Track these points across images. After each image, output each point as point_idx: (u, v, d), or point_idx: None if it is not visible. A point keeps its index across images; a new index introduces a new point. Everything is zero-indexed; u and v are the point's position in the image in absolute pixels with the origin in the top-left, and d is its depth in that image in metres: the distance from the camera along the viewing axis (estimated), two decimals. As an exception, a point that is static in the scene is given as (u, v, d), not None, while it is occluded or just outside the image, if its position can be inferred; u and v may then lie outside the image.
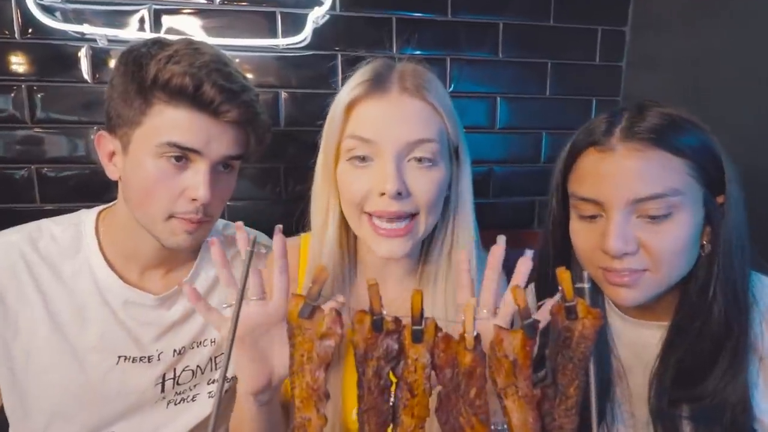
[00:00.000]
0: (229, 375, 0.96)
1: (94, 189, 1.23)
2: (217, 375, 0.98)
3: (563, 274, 0.48)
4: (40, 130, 1.22)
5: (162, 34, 1.21)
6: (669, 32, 1.34)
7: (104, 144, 0.84)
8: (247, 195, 1.32)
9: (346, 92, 0.76)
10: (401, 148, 0.71)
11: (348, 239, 0.84)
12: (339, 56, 1.30)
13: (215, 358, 0.97)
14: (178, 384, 0.93)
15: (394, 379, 0.51)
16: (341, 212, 0.80)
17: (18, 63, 1.18)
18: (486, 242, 1.08)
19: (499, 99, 1.41)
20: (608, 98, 1.46)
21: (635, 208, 0.68)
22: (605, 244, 0.69)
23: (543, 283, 0.84)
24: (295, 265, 0.89)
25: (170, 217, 0.80)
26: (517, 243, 1.34)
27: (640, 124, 0.70)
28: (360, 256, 0.86)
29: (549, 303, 0.52)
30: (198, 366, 0.95)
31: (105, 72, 1.22)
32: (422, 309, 0.48)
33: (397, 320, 0.48)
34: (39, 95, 1.20)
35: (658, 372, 0.75)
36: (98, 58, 1.22)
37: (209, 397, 0.96)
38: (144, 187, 0.79)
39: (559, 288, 0.48)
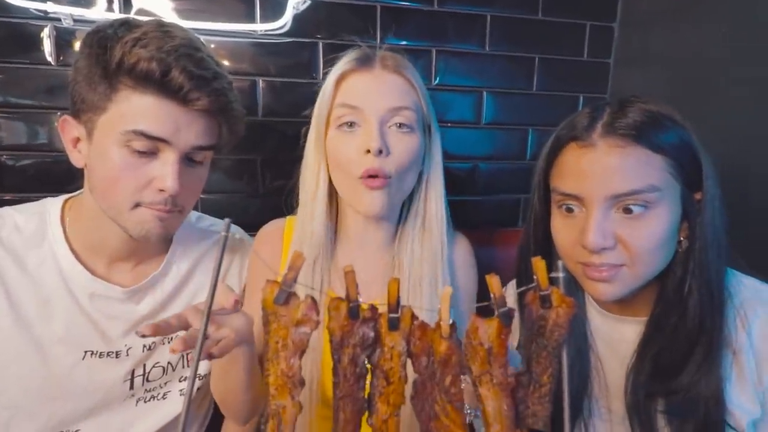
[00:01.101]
0: (201, 372, 0.99)
1: (57, 178, 1.23)
2: (188, 372, 1.00)
3: (538, 264, 0.52)
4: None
5: (132, 15, 1.23)
6: (658, 29, 1.40)
7: (68, 129, 0.85)
8: (222, 188, 1.34)
9: (336, 69, 0.92)
10: (383, 113, 0.88)
11: (333, 211, 0.98)
12: (320, 44, 1.33)
13: (187, 354, 0.99)
14: (147, 381, 0.95)
15: (369, 367, 0.54)
16: (330, 183, 0.94)
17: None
18: (473, 242, 1.13)
19: (485, 93, 1.45)
20: (595, 95, 1.52)
21: (614, 203, 0.73)
22: (584, 239, 0.74)
23: (524, 278, 0.89)
24: (279, 250, 0.98)
25: (137, 206, 0.81)
26: (502, 241, 1.40)
27: (621, 120, 0.75)
28: (343, 226, 0.99)
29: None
30: (169, 363, 0.97)
31: (70, 54, 1.22)
32: (398, 297, 0.52)
33: (373, 308, 0.52)
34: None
35: (635, 366, 0.80)
36: (63, 39, 1.22)
37: (181, 394, 0.99)
38: (109, 176, 0.80)
39: (534, 277, 0.53)
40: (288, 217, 1.04)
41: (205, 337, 0.53)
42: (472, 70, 1.43)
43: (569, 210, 0.79)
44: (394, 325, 0.52)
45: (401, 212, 1.00)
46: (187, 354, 0.99)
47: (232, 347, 0.70)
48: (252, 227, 1.11)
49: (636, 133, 0.73)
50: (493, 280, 0.52)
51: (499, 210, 1.53)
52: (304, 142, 1.01)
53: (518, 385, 0.55)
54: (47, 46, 1.21)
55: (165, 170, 0.79)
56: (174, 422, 0.99)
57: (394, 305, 0.51)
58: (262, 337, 0.54)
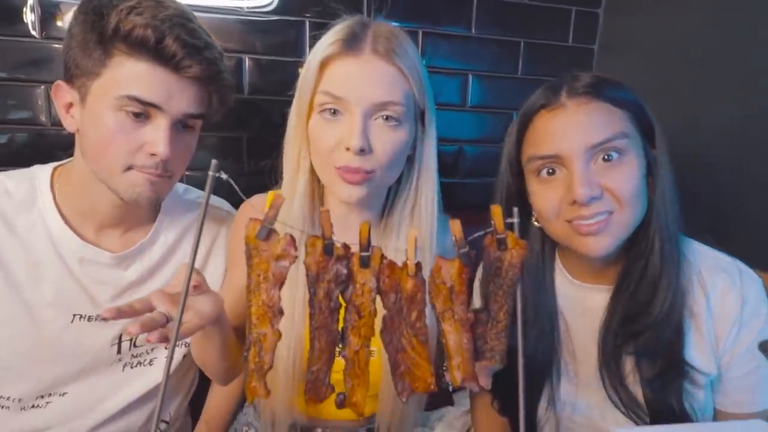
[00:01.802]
0: (187, 340, 1.07)
1: (41, 152, 1.30)
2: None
3: (495, 210, 0.62)
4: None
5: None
6: (642, 15, 1.51)
7: (61, 95, 0.91)
8: (206, 165, 1.41)
9: (320, 49, 0.88)
10: (368, 107, 0.85)
11: (316, 190, 0.98)
12: (307, 23, 1.42)
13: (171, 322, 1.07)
14: (134, 346, 1.03)
15: (343, 304, 0.63)
16: (311, 163, 0.93)
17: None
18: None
19: (471, 76, 1.55)
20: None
21: (592, 155, 0.84)
22: (573, 193, 0.83)
23: None
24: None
25: (129, 168, 0.88)
26: (487, 224, 1.49)
27: (581, 83, 0.87)
28: (326, 206, 0.99)
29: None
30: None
31: (53, 26, 1.29)
32: (369, 237, 0.61)
33: (346, 246, 0.61)
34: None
35: (606, 321, 0.92)
36: (47, 12, 1.28)
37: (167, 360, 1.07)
38: (102, 139, 0.87)
39: (491, 222, 0.62)
40: (271, 192, 1.06)
41: (180, 322, 0.61)
42: (459, 53, 1.53)
43: (550, 173, 0.89)
44: (365, 263, 0.61)
45: (388, 196, 1.01)
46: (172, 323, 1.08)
47: (194, 330, 0.76)
48: (238, 206, 1.19)
49: (596, 91, 0.86)
50: (454, 224, 0.61)
51: (485, 193, 1.60)
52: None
53: (477, 322, 0.65)
54: (30, 18, 1.27)
55: (157, 135, 0.87)
56: (157, 387, 1.07)
57: (366, 245, 0.60)
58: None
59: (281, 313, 0.60)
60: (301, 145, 0.93)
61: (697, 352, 0.90)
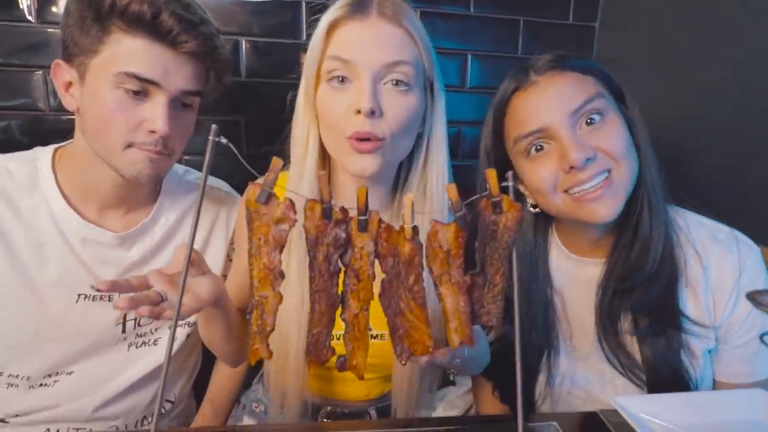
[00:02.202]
0: (191, 320, 1.11)
1: (39, 138, 1.32)
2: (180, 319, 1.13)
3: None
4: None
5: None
6: (643, -7, 1.53)
7: (60, 74, 0.96)
8: (202, 150, 1.45)
9: (327, 15, 0.89)
10: (378, 69, 0.85)
11: (324, 163, 0.98)
12: (303, 4, 1.45)
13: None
14: (139, 326, 1.07)
15: (343, 268, 0.67)
16: (320, 141, 0.94)
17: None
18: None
19: (470, 56, 1.58)
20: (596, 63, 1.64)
21: (576, 120, 0.89)
22: (567, 159, 0.87)
23: None
24: None
25: (129, 146, 0.92)
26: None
27: (544, 60, 0.94)
28: (335, 187, 1.00)
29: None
30: None
31: (50, 11, 1.33)
32: (366, 202, 0.64)
33: (344, 210, 0.64)
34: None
35: (602, 283, 0.96)
36: (43, -5, 1.32)
37: None
38: (101, 116, 0.90)
39: (487, 186, 0.65)
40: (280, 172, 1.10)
41: (181, 303, 0.64)
42: (457, 33, 1.56)
43: (539, 149, 0.92)
44: (363, 226, 0.64)
45: (399, 176, 1.01)
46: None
47: (191, 313, 0.80)
48: (237, 188, 1.22)
49: (561, 63, 0.92)
50: (451, 188, 0.65)
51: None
52: (290, 105, 1.02)
53: (474, 286, 0.68)
54: (26, 3, 1.31)
55: (155, 112, 0.91)
56: (161, 367, 1.11)
57: (363, 209, 0.64)
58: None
59: (282, 276, 0.64)
60: (310, 124, 0.94)
61: (695, 317, 0.93)
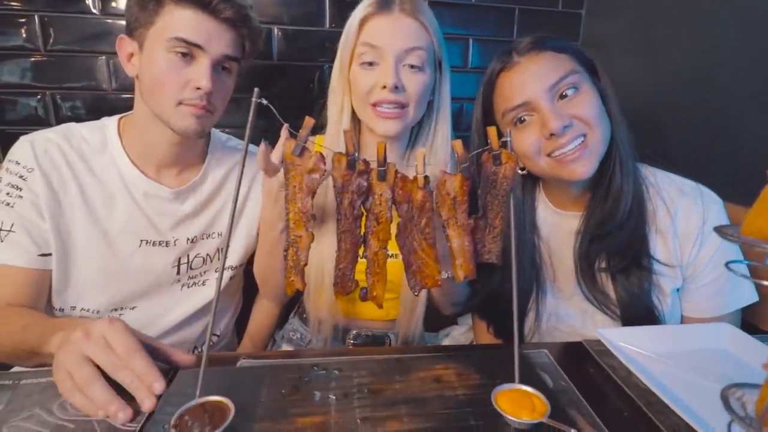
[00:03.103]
0: (234, 263, 1.13)
1: (104, 113, 1.32)
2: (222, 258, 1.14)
3: (491, 130, 0.64)
4: (54, 58, 1.33)
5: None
6: (626, -18, 1.47)
7: (124, 47, 0.98)
8: (241, 123, 1.45)
9: (359, 11, 0.98)
10: (399, 53, 0.94)
11: (356, 128, 1.06)
12: (327, -5, 1.42)
13: (222, 249, 1.13)
14: (191, 269, 1.09)
15: (365, 212, 0.67)
16: (352, 108, 1.02)
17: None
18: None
19: (471, 40, 1.54)
20: (570, 42, 1.60)
21: (553, 94, 0.88)
22: (548, 127, 0.87)
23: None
24: None
25: (179, 104, 0.94)
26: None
27: (525, 43, 0.93)
28: (363, 145, 1.08)
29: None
30: (207, 254, 1.10)
31: (110, 5, 1.33)
32: (385, 155, 0.63)
33: (366, 162, 0.64)
34: (50, 27, 1.31)
35: (580, 228, 0.97)
36: (105, -8, 1.32)
37: (216, 282, 1.12)
38: (156, 78, 0.93)
39: (488, 141, 0.64)
40: (316, 136, 1.10)
41: (231, 237, 0.64)
42: (460, 20, 1.52)
43: (522, 121, 0.92)
44: (381, 176, 0.64)
45: (411, 135, 1.09)
46: (222, 248, 1.13)
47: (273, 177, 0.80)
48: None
49: (539, 44, 0.92)
50: (457, 143, 0.64)
51: (484, 146, 1.64)
52: (315, 85, 1.16)
53: (476, 228, 0.68)
54: (90, -1, 1.31)
55: (200, 72, 0.93)
56: (209, 305, 1.13)
57: (382, 161, 0.63)
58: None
59: (314, 218, 0.64)
60: (345, 92, 1.01)
61: (664, 264, 0.92)
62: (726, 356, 0.79)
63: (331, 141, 1.03)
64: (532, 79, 0.89)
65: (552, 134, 0.87)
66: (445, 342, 1.31)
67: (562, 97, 0.88)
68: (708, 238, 0.90)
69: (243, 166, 0.63)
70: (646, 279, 0.91)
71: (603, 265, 0.94)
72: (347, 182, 0.64)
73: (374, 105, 0.96)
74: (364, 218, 0.67)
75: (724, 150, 1.14)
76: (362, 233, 0.67)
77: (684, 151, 1.24)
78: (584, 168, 0.89)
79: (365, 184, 0.64)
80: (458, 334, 1.34)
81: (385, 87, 0.93)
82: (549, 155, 0.90)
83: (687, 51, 1.25)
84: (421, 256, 0.68)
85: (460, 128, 1.59)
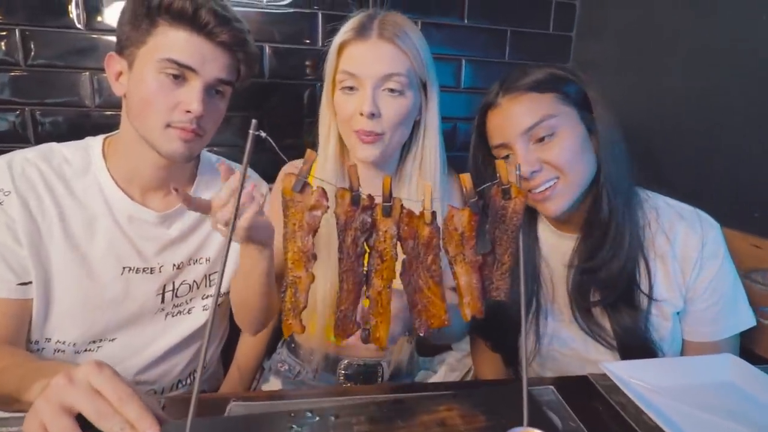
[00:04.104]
0: (223, 290, 1.06)
1: (86, 130, 1.24)
2: (211, 291, 1.07)
3: (501, 164, 0.60)
4: (35, 73, 1.25)
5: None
6: (615, 5, 1.46)
7: (112, 64, 0.92)
8: (232, 142, 1.39)
9: (338, 37, 0.95)
10: (377, 80, 0.91)
11: (343, 151, 1.03)
12: (320, 14, 1.37)
13: (209, 275, 1.06)
14: (176, 296, 1.02)
15: (368, 249, 0.61)
16: (338, 132, 1.00)
17: (10, 9, 1.20)
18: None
19: (464, 61, 1.51)
20: (560, 64, 1.58)
21: (528, 137, 0.89)
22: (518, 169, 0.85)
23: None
24: None
25: (167, 126, 0.88)
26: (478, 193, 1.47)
27: (508, 82, 0.92)
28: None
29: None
30: (194, 281, 1.03)
31: (95, 20, 1.26)
32: (391, 190, 0.59)
33: (370, 197, 0.59)
34: (31, 42, 1.23)
35: (571, 258, 0.95)
36: (89, 6, 1.25)
37: (203, 309, 1.05)
38: (145, 98, 0.87)
39: (498, 175, 0.60)
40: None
41: (224, 271, 0.58)
42: (453, 41, 1.49)
43: (506, 157, 0.93)
44: (387, 212, 0.59)
45: (401, 155, 1.04)
46: (209, 274, 1.06)
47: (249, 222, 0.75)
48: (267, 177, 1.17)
49: (522, 85, 0.90)
50: (465, 177, 0.59)
51: (475, 165, 1.60)
52: (306, 102, 1.12)
53: (484, 264, 0.63)
54: (75, 13, 1.24)
55: (191, 95, 0.87)
56: (195, 333, 1.06)
57: (388, 196, 0.58)
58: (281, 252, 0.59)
59: (315, 257, 0.59)
60: (331, 116, 0.99)
61: (665, 289, 0.90)
62: (732, 389, 0.76)
63: (321, 165, 1.00)
64: (509, 123, 0.90)
65: (524, 178, 0.88)
66: (442, 369, 1.26)
67: (540, 140, 0.88)
68: (707, 262, 0.88)
69: (239, 201, 0.57)
70: (641, 312, 0.88)
71: (597, 297, 0.91)
72: (350, 219, 0.58)
73: (357, 131, 0.93)
74: (366, 256, 0.61)
75: (718, 171, 1.12)
76: (365, 271, 0.62)
77: (677, 173, 1.22)
78: (554, 206, 0.89)
79: (369, 220, 0.59)
80: (454, 360, 1.29)
81: (362, 114, 0.90)
82: (529, 191, 0.91)
83: (678, 73, 1.23)
84: (427, 295, 0.63)
85: (452, 148, 1.55)
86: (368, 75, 0.90)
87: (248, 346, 1.17)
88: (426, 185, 0.59)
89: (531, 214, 1.02)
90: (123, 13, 0.89)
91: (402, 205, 0.60)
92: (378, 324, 0.63)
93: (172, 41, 0.85)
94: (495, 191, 0.61)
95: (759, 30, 1.03)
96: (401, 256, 0.62)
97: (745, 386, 0.76)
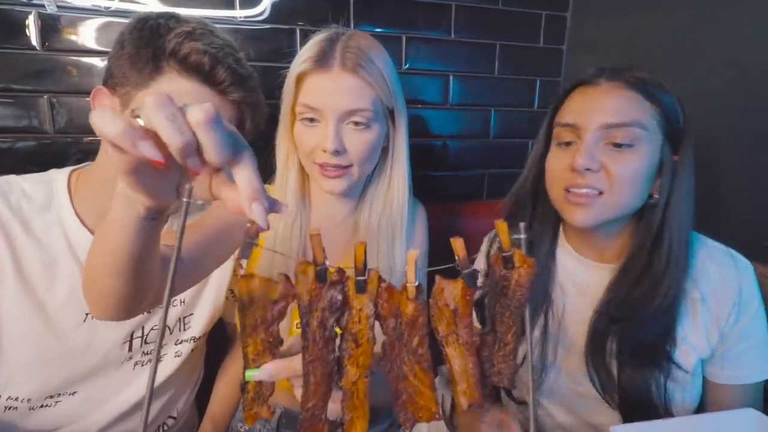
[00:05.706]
0: (196, 334, 0.93)
1: (46, 159, 1.11)
2: (185, 335, 0.94)
3: (501, 226, 0.46)
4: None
5: (118, 2, 1.10)
6: (606, 18, 1.34)
7: (101, 99, 0.79)
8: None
9: (295, 66, 0.83)
10: (340, 115, 0.80)
11: (304, 181, 0.94)
12: (297, 31, 1.22)
13: (184, 318, 0.92)
14: (146, 343, 0.88)
15: (339, 331, 0.48)
16: (299, 160, 0.90)
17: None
18: (441, 213, 1.06)
19: (451, 77, 1.37)
20: (550, 78, 1.45)
21: (605, 134, 0.73)
22: (574, 160, 0.73)
23: (513, 219, 0.85)
24: None
25: None
26: (469, 213, 1.34)
27: (628, 71, 0.77)
28: (313, 195, 0.95)
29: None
30: (167, 326, 0.89)
31: (55, 39, 1.10)
32: (365, 260, 0.45)
33: (340, 271, 0.45)
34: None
35: (603, 300, 0.79)
36: (47, 25, 1.09)
37: (175, 356, 0.92)
38: None
39: (497, 239, 0.46)
40: (265, 185, 0.94)
41: (168, 305, 0.45)
42: (440, 56, 1.35)
43: (567, 144, 0.78)
44: (361, 287, 0.45)
45: (367, 182, 0.95)
46: (184, 317, 0.93)
47: None
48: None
49: (636, 81, 0.75)
50: (457, 243, 0.45)
51: (466, 184, 1.47)
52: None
53: (483, 345, 0.49)
54: (32, 32, 1.08)
55: None
56: (167, 382, 0.92)
57: (361, 268, 0.45)
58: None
59: (281, 342, 0.45)
60: (289, 145, 0.90)
61: (691, 334, 0.77)
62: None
63: (281, 190, 0.91)
64: (596, 108, 0.75)
65: (574, 168, 0.74)
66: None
67: (616, 145, 0.73)
68: (744, 307, 0.76)
69: (175, 263, 0.43)
70: (656, 375, 0.75)
71: (615, 348, 0.77)
72: (316, 298, 0.44)
73: (320, 164, 0.83)
74: (338, 339, 0.48)
75: (725, 197, 1.00)
76: (335, 357, 0.48)
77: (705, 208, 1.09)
78: (584, 217, 0.75)
79: (339, 297, 0.45)
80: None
81: (325, 151, 0.81)
82: (566, 189, 0.77)
83: (669, 86, 1.12)
84: (414, 384, 0.49)
85: (441, 167, 1.42)
86: (331, 109, 0.80)
87: (224, 392, 1.03)
88: (409, 254, 0.45)
89: (554, 227, 0.89)
90: (121, 46, 0.77)
91: (380, 278, 0.46)
92: (354, 419, 0.49)
93: (179, 90, 0.75)
94: (495, 258, 0.47)
95: (749, 42, 0.93)
96: (380, 338, 0.48)
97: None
